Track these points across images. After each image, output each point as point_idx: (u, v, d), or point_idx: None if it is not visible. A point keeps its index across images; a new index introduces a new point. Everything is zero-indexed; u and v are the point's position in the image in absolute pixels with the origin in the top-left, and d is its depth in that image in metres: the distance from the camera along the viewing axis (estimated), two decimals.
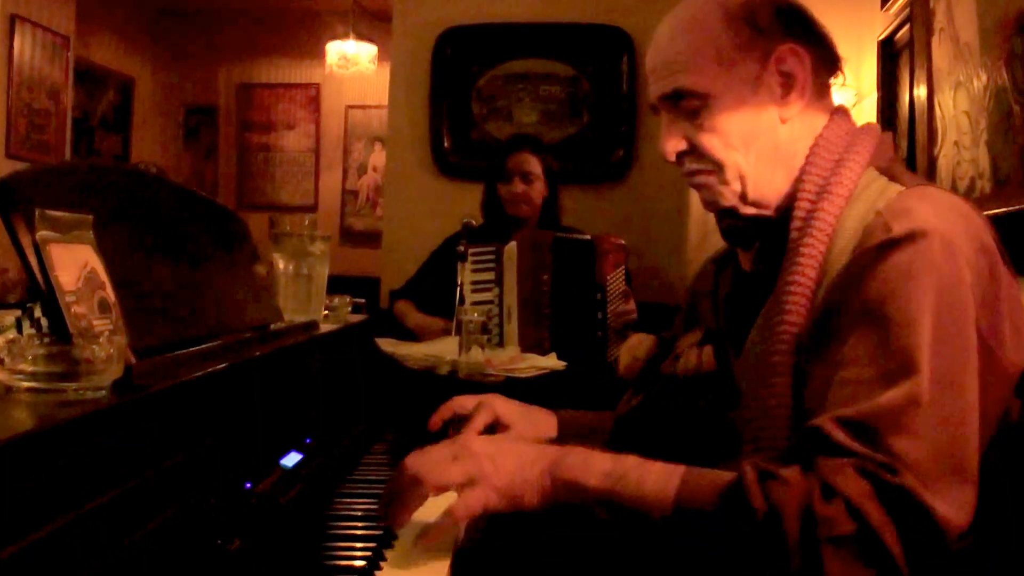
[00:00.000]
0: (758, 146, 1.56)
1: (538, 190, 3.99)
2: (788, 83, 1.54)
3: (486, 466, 1.39)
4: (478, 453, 1.40)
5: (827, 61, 1.59)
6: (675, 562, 1.29)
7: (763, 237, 1.64)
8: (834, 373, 1.31)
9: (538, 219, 4.02)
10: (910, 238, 1.31)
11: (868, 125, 1.60)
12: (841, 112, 1.61)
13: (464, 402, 1.91)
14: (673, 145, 1.62)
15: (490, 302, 3.64)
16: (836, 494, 1.18)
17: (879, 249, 1.33)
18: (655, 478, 1.32)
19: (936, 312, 1.27)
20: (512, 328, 3.63)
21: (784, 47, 1.53)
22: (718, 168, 1.58)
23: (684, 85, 1.57)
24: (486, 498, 1.37)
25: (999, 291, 1.36)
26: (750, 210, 1.60)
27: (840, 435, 1.23)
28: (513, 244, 3.71)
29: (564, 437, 1.90)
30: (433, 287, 3.97)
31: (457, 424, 1.94)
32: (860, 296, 1.32)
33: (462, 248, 3.62)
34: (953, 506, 1.19)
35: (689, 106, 1.58)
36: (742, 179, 1.57)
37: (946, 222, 1.33)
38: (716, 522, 1.25)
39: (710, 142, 1.57)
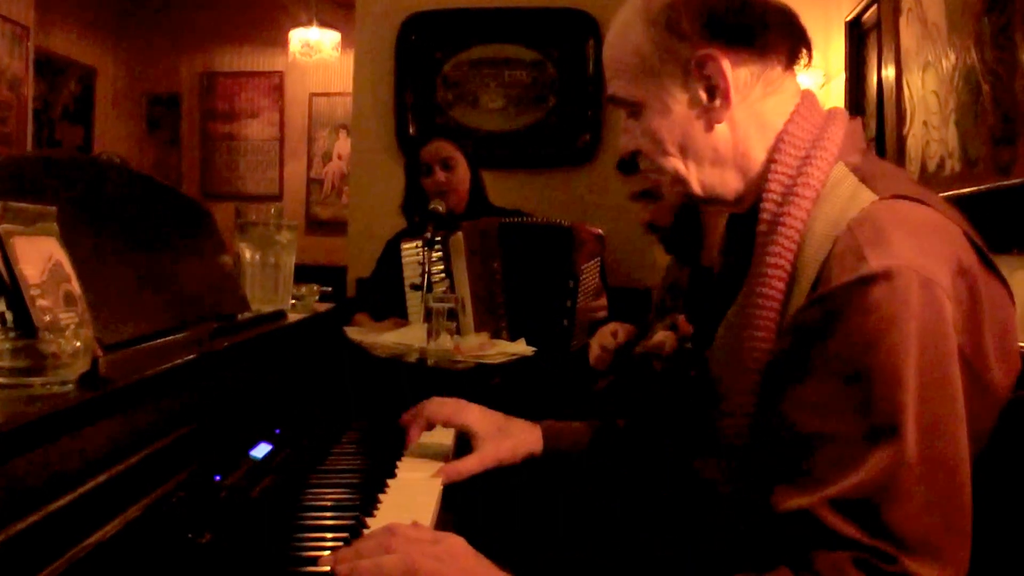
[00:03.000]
0: (693, 151, 1.53)
1: (462, 176, 3.92)
2: (712, 87, 1.50)
3: None
4: (464, 569, 1.29)
5: (778, 51, 1.52)
6: None
7: (730, 232, 1.64)
8: (815, 422, 1.27)
9: (468, 207, 3.96)
10: (886, 276, 1.25)
11: (835, 112, 1.55)
12: (807, 100, 1.55)
13: (439, 408, 1.90)
14: (624, 144, 1.63)
15: (443, 292, 3.60)
16: None
17: (855, 286, 1.27)
18: None
19: (919, 359, 1.23)
20: (467, 320, 3.60)
21: (701, 53, 1.48)
22: (660, 172, 1.58)
23: (615, 92, 1.58)
24: None
25: (980, 312, 1.32)
26: (706, 204, 1.61)
27: (835, 521, 1.21)
28: (459, 234, 3.68)
29: (549, 450, 1.88)
30: (382, 290, 3.94)
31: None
32: (837, 341, 1.27)
33: (428, 234, 3.59)
34: (950, 571, 1.19)
35: (627, 111, 1.59)
36: (682, 182, 1.56)
37: (923, 251, 1.29)
38: None
39: (647, 147, 1.57)
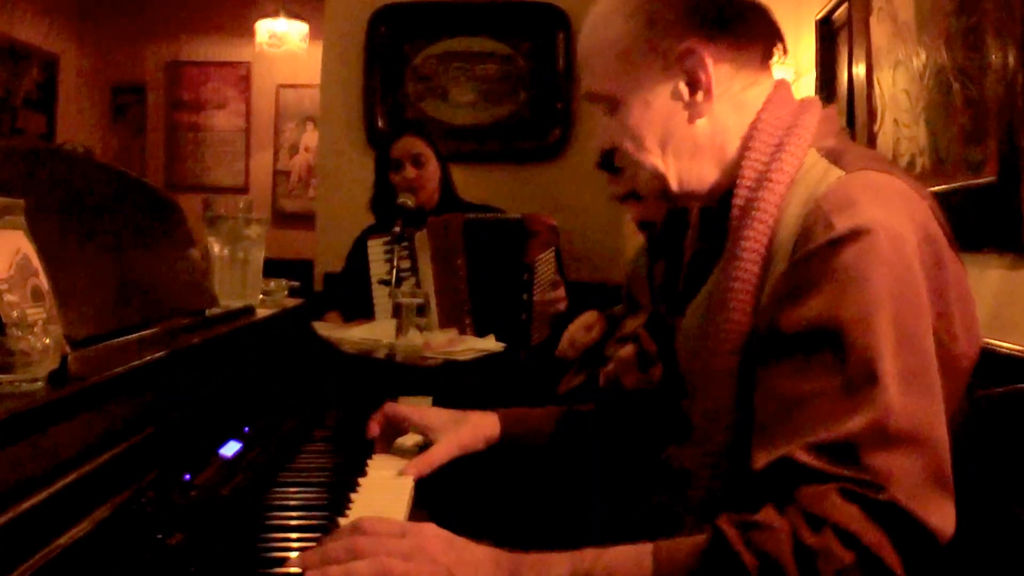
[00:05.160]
0: (674, 146, 1.53)
1: (431, 172, 3.91)
2: (694, 81, 1.50)
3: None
4: (436, 561, 1.24)
5: (755, 43, 1.53)
6: None
7: (703, 219, 1.63)
8: (792, 385, 1.27)
9: (438, 202, 3.94)
10: (854, 236, 1.26)
11: (809, 101, 1.55)
12: (781, 89, 1.55)
13: (396, 406, 1.92)
14: (600, 142, 1.62)
15: (411, 288, 3.58)
16: (824, 523, 1.14)
17: (824, 250, 1.29)
18: (623, 564, 1.24)
19: (893, 312, 1.23)
20: (432, 317, 3.59)
21: (683, 46, 1.48)
22: (638, 167, 1.57)
23: (592, 89, 1.57)
24: None
25: (947, 281, 1.34)
26: (679, 200, 1.60)
27: (814, 461, 1.19)
28: (424, 231, 3.66)
29: (507, 434, 1.89)
30: (351, 287, 3.92)
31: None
32: (810, 305, 1.27)
33: (398, 229, 3.57)
34: (941, 515, 1.17)
35: (603, 107, 1.57)
36: (660, 178, 1.55)
37: (890, 213, 1.30)
38: None
39: (625, 144, 1.56)
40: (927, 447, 1.19)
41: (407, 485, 1.71)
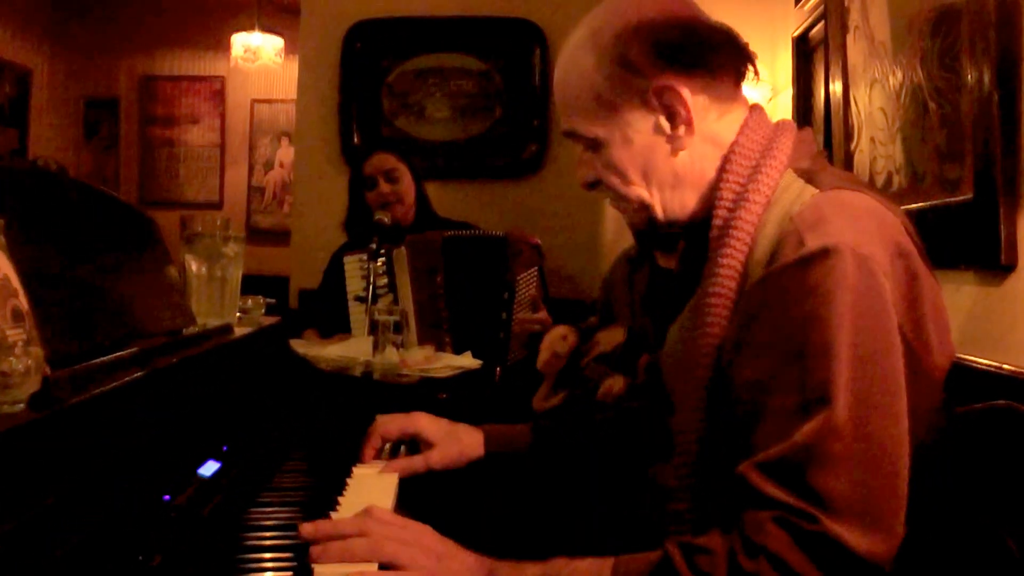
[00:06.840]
0: (657, 178, 1.56)
1: (406, 187, 3.90)
2: (673, 115, 1.52)
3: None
4: (429, 551, 1.39)
5: (727, 71, 1.55)
6: None
7: (686, 239, 1.65)
8: (756, 398, 1.32)
9: (415, 219, 3.94)
10: (823, 255, 1.29)
11: (784, 124, 1.58)
12: (755, 112, 1.58)
13: (389, 422, 1.93)
14: (582, 176, 1.64)
15: (388, 305, 3.57)
16: (760, 549, 1.22)
17: (792, 267, 1.32)
18: (586, 574, 1.34)
19: (853, 332, 1.26)
20: (411, 334, 3.58)
21: (659, 83, 1.50)
22: (623, 199, 1.59)
23: (573, 129, 1.59)
24: None
25: (920, 292, 1.37)
26: (663, 227, 1.62)
27: (762, 483, 1.26)
28: (403, 249, 3.65)
29: (491, 452, 1.92)
30: (328, 303, 3.90)
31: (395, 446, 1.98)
32: (777, 320, 1.32)
33: (374, 246, 3.56)
34: (878, 536, 1.22)
35: (584, 145, 1.59)
36: (646, 208, 1.58)
37: (860, 232, 1.33)
38: None
39: (609, 179, 1.58)
40: (875, 465, 1.24)
41: (387, 506, 1.70)
